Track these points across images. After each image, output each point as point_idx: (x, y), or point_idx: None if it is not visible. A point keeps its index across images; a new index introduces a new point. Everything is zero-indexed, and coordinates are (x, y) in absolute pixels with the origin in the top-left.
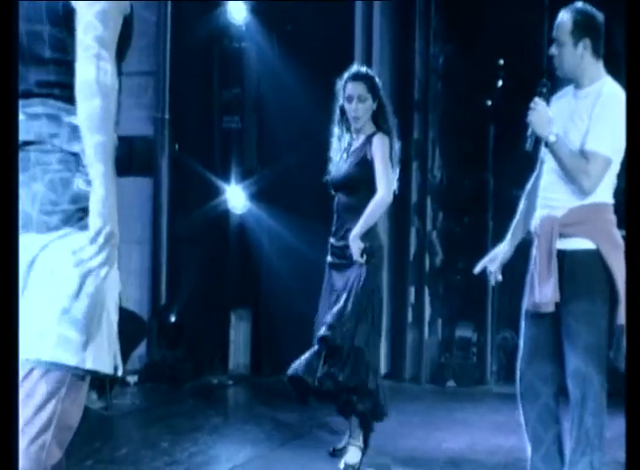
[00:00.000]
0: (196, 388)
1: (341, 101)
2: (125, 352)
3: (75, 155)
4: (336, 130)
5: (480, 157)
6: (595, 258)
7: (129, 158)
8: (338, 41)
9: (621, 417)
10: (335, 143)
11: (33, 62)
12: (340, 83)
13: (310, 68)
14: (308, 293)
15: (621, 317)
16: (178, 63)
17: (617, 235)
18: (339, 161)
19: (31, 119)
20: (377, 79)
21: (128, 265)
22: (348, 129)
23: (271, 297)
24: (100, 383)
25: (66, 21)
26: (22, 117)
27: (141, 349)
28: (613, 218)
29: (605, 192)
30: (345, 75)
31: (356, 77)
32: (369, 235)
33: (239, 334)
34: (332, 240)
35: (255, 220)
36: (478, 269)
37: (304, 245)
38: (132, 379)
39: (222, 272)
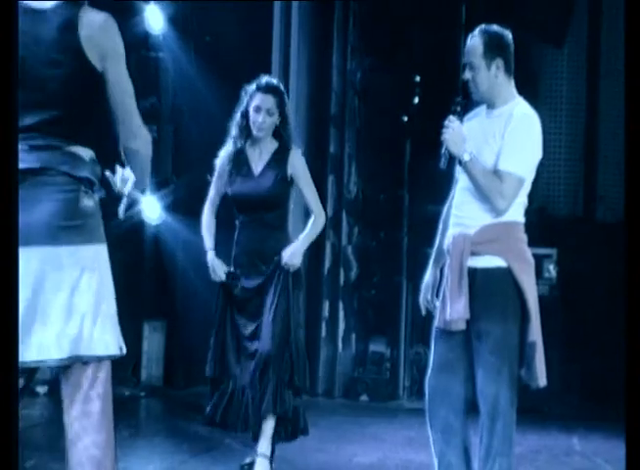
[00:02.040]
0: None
1: (244, 107)
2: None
3: (81, 178)
4: (233, 133)
5: (395, 172)
6: (506, 275)
7: None
8: (255, 53)
9: (532, 433)
10: (229, 147)
11: (32, 103)
12: (249, 90)
13: (228, 79)
14: None
15: (532, 334)
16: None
17: (528, 253)
18: (243, 176)
19: (35, 150)
20: (285, 95)
21: None
22: (247, 137)
23: (185, 308)
24: None
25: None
26: (24, 147)
27: None
28: (523, 237)
29: (516, 211)
30: (256, 85)
31: (267, 90)
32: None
33: (152, 345)
34: (209, 255)
35: (170, 231)
36: (424, 311)
37: (220, 256)
38: (42, 389)
39: (137, 283)
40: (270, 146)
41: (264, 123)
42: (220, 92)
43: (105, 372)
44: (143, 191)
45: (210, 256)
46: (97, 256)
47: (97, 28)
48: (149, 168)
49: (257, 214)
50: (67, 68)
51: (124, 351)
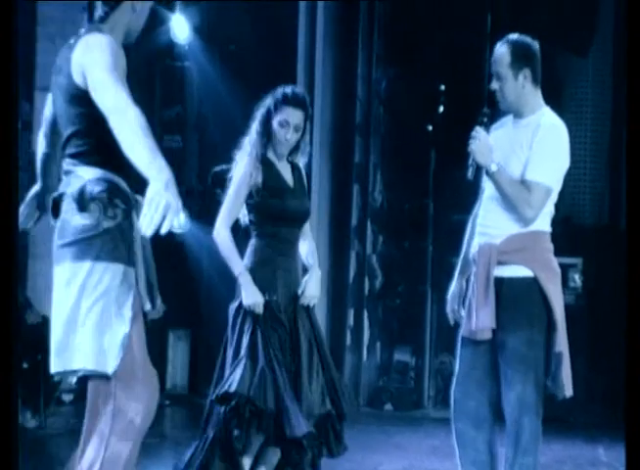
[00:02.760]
0: None
1: (265, 116)
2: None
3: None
4: (256, 144)
5: (420, 181)
6: (533, 285)
7: None
8: (281, 62)
9: (557, 443)
10: (252, 159)
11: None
12: (275, 99)
13: (252, 87)
14: None
15: (559, 345)
16: None
17: (555, 263)
18: (281, 189)
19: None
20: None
21: None
22: (266, 149)
23: (210, 317)
24: (34, 401)
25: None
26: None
27: None
28: (550, 246)
29: (543, 220)
30: (284, 96)
31: (297, 104)
32: None
33: (177, 354)
34: (244, 278)
35: (196, 240)
36: (451, 318)
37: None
38: (68, 397)
39: (161, 292)
40: (288, 157)
41: (290, 140)
42: (245, 101)
43: (105, 388)
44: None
45: (247, 279)
46: (92, 272)
47: (79, 51)
48: (140, 148)
49: (292, 228)
50: (65, 95)
51: (107, 369)
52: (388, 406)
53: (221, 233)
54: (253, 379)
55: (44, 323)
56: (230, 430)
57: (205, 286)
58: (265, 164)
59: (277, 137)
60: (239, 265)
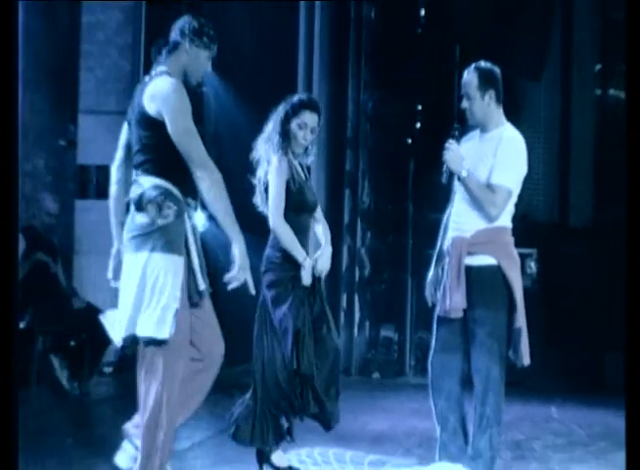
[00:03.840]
0: None
1: (284, 118)
2: (102, 347)
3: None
4: (280, 142)
5: (401, 186)
6: (497, 272)
7: (107, 182)
8: (283, 88)
9: (517, 404)
10: (282, 156)
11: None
12: (294, 104)
13: (258, 110)
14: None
15: (519, 321)
16: None
17: (515, 253)
18: (304, 182)
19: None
20: None
21: (105, 275)
22: (289, 150)
23: (226, 309)
24: (80, 374)
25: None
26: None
27: (115, 344)
28: (511, 239)
29: (505, 218)
30: (301, 101)
31: (314, 108)
32: None
33: None
34: (307, 263)
35: (214, 238)
36: (429, 300)
37: (258, 261)
38: (108, 369)
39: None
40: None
41: (308, 140)
42: (253, 121)
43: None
44: (195, 208)
45: (310, 263)
46: (149, 261)
47: (151, 88)
48: (222, 212)
49: (308, 216)
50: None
51: (165, 336)
52: (376, 375)
53: (280, 226)
54: (304, 354)
55: (87, 308)
56: (286, 397)
57: (222, 281)
58: (288, 162)
59: (296, 138)
60: (302, 253)
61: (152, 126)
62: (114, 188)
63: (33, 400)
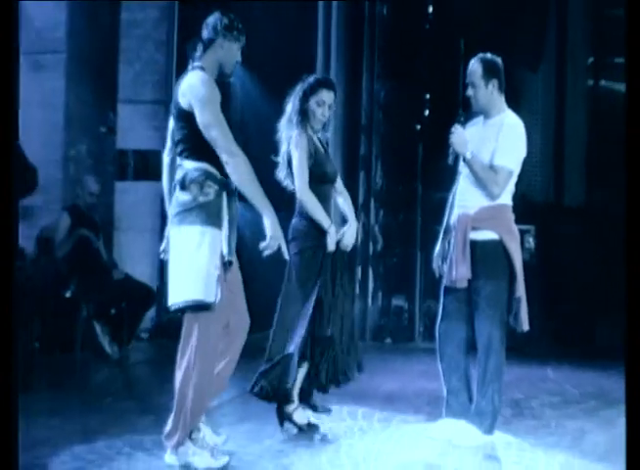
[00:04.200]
0: None
1: (302, 96)
2: (140, 315)
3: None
4: (300, 120)
5: (411, 168)
6: (499, 246)
7: (145, 166)
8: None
9: (516, 366)
10: (302, 132)
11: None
12: (311, 84)
13: (280, 99)
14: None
15: (519, 291)
16: None
17: (515, 229)
18: (325, 155)
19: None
20: None
21: (143, 248)
22: (309, 126)
23: (252, 278)
24: (119, 338)
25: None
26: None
27: (151, 312)
28: (511, 216)
29: (506, 196)
30: (318, 80)
31: (331, 87)
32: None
33: None
34: (332, 229)
35: (241, 218)
36: (437, 272)
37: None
38: (145, 335)
39: None
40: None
41: (325, 116)
42: (275, 108)
43: (188, 322)
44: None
45: (334, 229)
46: (191, 233)
47: (185, 83)
48: (250, 190)
49: (330, 187)
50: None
51: (212, 299)
52: (388, 340)
53: (306, 194)
54: (326, 319)
55: (125, 279)
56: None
57: (246, 255)
58: (312, 139)
59: (315, 114)
60: (327, 219)
61: (185, 118)
62: (164, 172)
63: (78, 363)
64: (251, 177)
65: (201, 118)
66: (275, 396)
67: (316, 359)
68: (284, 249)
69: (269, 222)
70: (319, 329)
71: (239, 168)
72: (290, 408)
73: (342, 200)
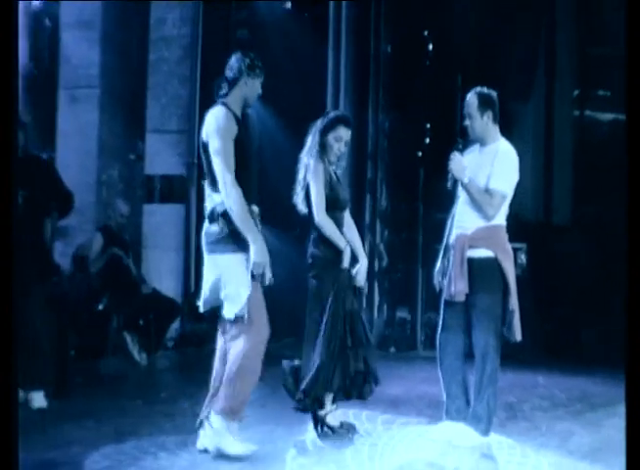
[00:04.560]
0: (213, 350)
1: (322, 131)
2: (166, 325)
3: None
4: (320, 152)
5: (413, 191)
6: (494, 263)
7: (170, 190)
8: (314, 111)
9: (510, 373)
10: (319, 162)
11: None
12: (331, 120)
13: (293, 128)
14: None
15: (512, 304)
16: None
17: (509, 247)
18: (338, 183)
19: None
20: None
21: (169, 265)
22: (326, 158)
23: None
24: (147, 347)
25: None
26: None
27: (176, 323)
28: (505, 235)
29: (501, 217)
30: (338, 117)
31: (348, 124)
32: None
33: None
34: (347, 249)
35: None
36: (437, 286)
37: (293, 253)
38: (170, 343)
39: None
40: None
41: (342, 151)
42: (289, 136)
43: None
44: (259, 214)
45: (349, 248)
46: (222, 261)
47: (207, 118)
48: (238, 219)
49: (342, 213)
50: (201, 146)
51: (243, 313)
52: (392, 349)
53: (324, 219)
54: (353, 331)
55: (153, 293)
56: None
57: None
58: (328, 169)
59: (332, 148)
60: (342, 240)
61: (205, 149)
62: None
63: (109, 369)
64: (239, 208)
65: (211, 146)
66: (312, 405)
67: (348, 372)
68: (268, 274)
69: (254, 249)
70: (346, 342)
71: (229, 199)
72: (322, 413)
73: (351, 234)
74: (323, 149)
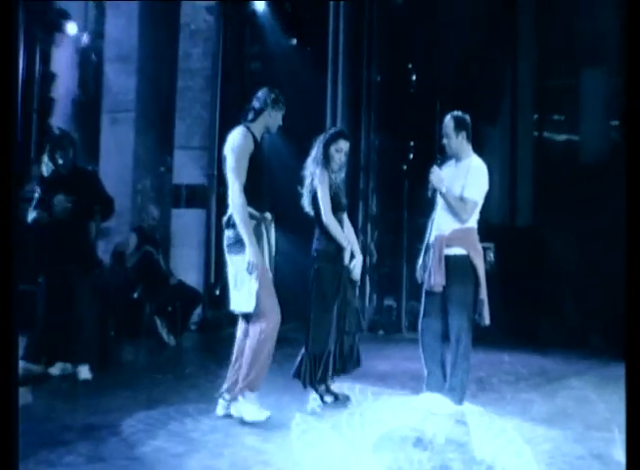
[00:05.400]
0: (232, 334)
1: (325, 144)
2: (190, 311)
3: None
4: (323, 161)
5: (399, 199)
6: (467, 259)
7: (194, 197)
8: (314, 130)
9: (480, 352)
10: (324, 172)
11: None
12: (332, 134)
13: (297, 145)
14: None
15: (482, 294)
16: (222, 142)
17: (479, 245)
18: (340, 189)
19: None
20: None
21: (191, 261)
22: (329, 167)
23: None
24: (174, 329)
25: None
26: None
27: (198, 310)
28: (476, 236)
29: (473, 221)
30: (337, 132)
31: (346, 137)
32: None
33: None
34: (349, 248)
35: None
36: (419, 279)
37: (299, 254)
38: (194, 327)
39: None
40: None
41: (342, 161)
42: (293, 151)
43: (250, 320)
44: (272, 219)
45: (350, 247)
46: (236, 261)
47: (229, 136)
48: (238, 223)
49: (342, 215)
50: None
51: (250, 309)
52: (381, 332)
53: (330, 220)
54: (349, 316)
55: (179, 284)
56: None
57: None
58: (331, 176)
59: (334, 158)
60: (345, 239)
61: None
62: None
63: (143, 348)
64: (241, 215)
65: (227, 161)
66: (319, 382)
67: (344, 351)
68: (268, 274)
69: (250, 251)
70: (344, 326)
71: (234, 207)
72: (326, 385)
73: (349, 234)
74: (327, 159)
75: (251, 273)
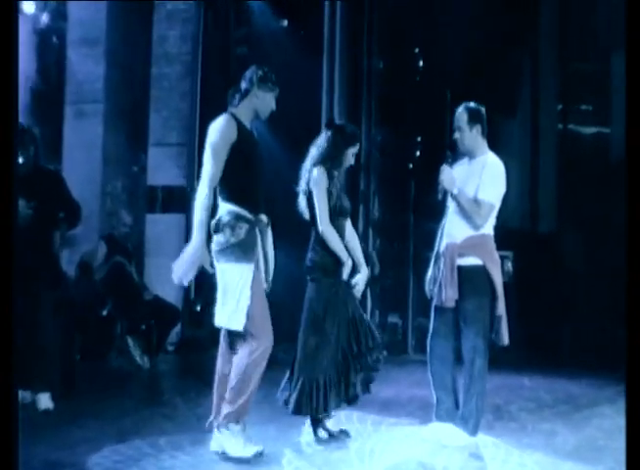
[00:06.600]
0: (214, 356)
1: (343, 145)
2: (167, 330)
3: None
4: (329, 162)
5: (404, 202)
6: (482, 270)
7: (171, 200)
8: (309, 125)
9: (497, 375)
10: (323, 171)
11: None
12: (350, 137)
13: (290, 140)
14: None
15: (500, 310)
16: (203, 138)
17: (496, 255)
18: (342, 192)
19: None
20: None
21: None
22: (335, 168)
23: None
24: (149, 351)
25: None
26: None
27: (176, 328)
28: (493, 244)
29: (489, 226)
30: (357, 134)
31: (360, 140)
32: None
33: None
34: (349, 262)
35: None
36: (428, 293)
37: (294, 265)
38: (171, 348)
39: None
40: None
41: (351, 164)
42: (286, 148)
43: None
44: (268, 222)
45: (350, 261)
46: (226, 270)
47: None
48: (195, 221)
49: (344, 220)
50: None
51: (239, 327)
52: (384, 353)
53: (328, 229)
54: (359, 336)
55: (155, 299)
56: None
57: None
58: (332, 177)
59: (346, 161)
60: (345, 252)
61: None
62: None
63: (113, 372)
64: (198, 212)
65: (205, 152)
66: (316, 414)
67: (349, 378)
68: (263, 285)
69: (192, 245)
70: (350, 349)
71: (199, 195)
72: (321, 417)
73: (353, 243)
74: (336, 160)
75: (193, 263)
